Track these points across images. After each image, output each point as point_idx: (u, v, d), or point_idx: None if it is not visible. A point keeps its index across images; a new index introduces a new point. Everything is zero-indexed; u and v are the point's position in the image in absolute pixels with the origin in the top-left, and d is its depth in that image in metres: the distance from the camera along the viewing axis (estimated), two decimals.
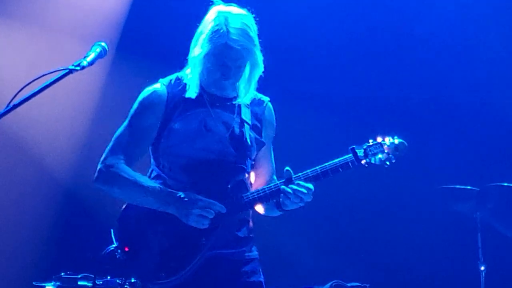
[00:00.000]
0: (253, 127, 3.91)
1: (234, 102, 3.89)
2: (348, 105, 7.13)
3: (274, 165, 4.06)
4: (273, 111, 4.05)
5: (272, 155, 4.06)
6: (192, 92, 3.83)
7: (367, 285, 5.76)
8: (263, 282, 3.87)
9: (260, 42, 3.81)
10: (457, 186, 6.25)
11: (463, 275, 6.58)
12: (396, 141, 3.86)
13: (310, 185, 3.73)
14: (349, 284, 5.73)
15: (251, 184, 3.95)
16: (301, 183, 3.72)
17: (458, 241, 6.76)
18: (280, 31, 6.51)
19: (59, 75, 3.34)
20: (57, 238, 6.79)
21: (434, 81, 7.13)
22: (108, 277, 5.09)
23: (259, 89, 3.97)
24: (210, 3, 3.84)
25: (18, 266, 6.58)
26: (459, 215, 6.43)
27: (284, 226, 6.89)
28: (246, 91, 3.88)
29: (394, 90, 7.13)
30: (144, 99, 3.86)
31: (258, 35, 3.81)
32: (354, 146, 3.78)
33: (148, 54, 6.72)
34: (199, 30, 3.81)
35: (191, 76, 3.83)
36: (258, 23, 3.82)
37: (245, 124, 3.88)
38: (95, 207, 6.57)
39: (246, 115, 3.90)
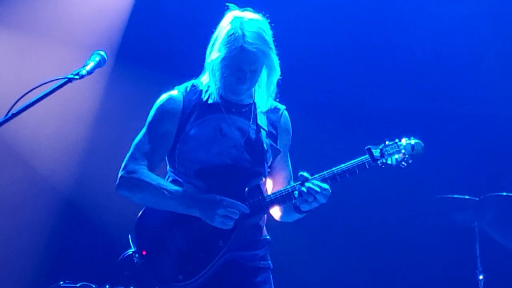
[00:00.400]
0: (269, 134, 3.92)
1: (251, 108, 3.91)
2: (347, 112, 7.14)
3: (291, 172, 4.05)
4: (289, 119, 4.06)
5: (289, 162, 4.06)
6: (210, 97, 3.86)
7: None
8: None
9: (275, 47, 3.83)
10: (456, 196, 6.24)
11: (461, 285, 6.58)
12: (413, 141, 3.85)
13: (326, 185, 3.71)
14: None
15: (266, 190, 3.95)
16: (316, 182, 3.71)
17: (456, 250, 6.76)
18: (291, 38, 6.50)
19: (58, 84, 3.36)
20: (56, 247, 6.78)
21: (434, 91, 7.14)
22: (107, 286, 5.08)
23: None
24: (226, 8, 3.86)
25: (17, 274, 6.58)
26: (458, 224, 6.42)
27: (287, 236, 6.90)
28: (266, 97, 3.91)
29: (394, 99, 7.13)
30: (161, 106, 3.90)
31: (274, 40, 3.83)
32: (370, 146, 3.76)
33: (147, 62, 6.73)
34: (214, 35, 3.84)
35: (208, 81, 3.86)
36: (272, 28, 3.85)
37: (262, 130, 3.89)
38: (94, 216, 6.58)
39: (262, 121, 3.91)
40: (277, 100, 4.02)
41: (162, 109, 3.89)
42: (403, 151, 3.80)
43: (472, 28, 6.92)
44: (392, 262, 6.94)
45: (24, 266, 6.62)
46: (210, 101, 3.85)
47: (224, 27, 3.79)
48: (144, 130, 3.90)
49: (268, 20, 3.86)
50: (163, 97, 3.92)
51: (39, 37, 6.62)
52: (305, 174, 3.74)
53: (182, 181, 3.85)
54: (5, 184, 6.64)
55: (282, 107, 4.05)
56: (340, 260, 6.99)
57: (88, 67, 3.46)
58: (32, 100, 3.28)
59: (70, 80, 3.37)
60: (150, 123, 3.89)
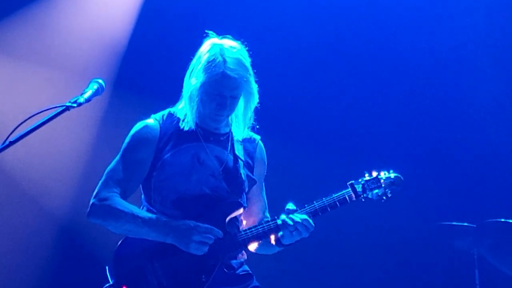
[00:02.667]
0: (245, 164, 3.91)
1: (229, 137, 3.90)
2: (342, 140, 7.13)
3: (266, 202, 4.05)
4: (264, 150, 4.05)
5: (264, 192, 4.05)
6: (187, 124, 3.82)
7: None
8: None
9: (254, 74, 3.85)
10: (455, 223, 6.23)
11: None
12: (392, 175, 3.87)
13: (311, 220, 3.71)
14: None
15: (241, 221, 3.93)
16: (302, 216, 3.70)
17: (456, 277, 6.73)
18: (271, 61, 6.53)
19: (56, 112, 3.36)
20: (52, 275, 6.74)
21: (429, 117, 7.15)
22: None
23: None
24: (205, 36, 3.87)
25: None
26: (457, 251, 6.41)
27: (279, 263, 6.88)
28: (242, 125, 3.90)
29: (389, 125, 7.14)
30: (136, 133, 3.85)
31: (252, 66, 3.84)
32: (352, 182, 3.78)
33: (145, 90, 6.74)
34: (193, 61, 3.83)
35: (186, 108, 3.83)
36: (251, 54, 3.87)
37: (239, 160, 3.87)
38: (91, 244, 6.54)
39: (239, 151, 3.90)
40: (257, 127, 4.01)
41: (137, 137, 3.84)
42: (383, 185, 3.81)
43: (468, 45, 6.96)
44: None
45: None
46: (186, 128, 3.82)
47: (204, 53, 3.79)
48: (117, 157, 3.85)
49: (247, 48, 3.87)
50: (139, 125, 3.88)
51: (37, 64, 6.64)
52: (291, 206, 3.76)
53: (156, 211, 3.79)
54: (1, 212, 6.61)
55: (257, 137, 4.04)
56: (337, 283, 6.95)
57: (86, 95, 3.46)
58: (30, 128, 3.27)
59: (68, 108, 3.37)
60: (124, 150, 3.85)
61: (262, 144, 4.05)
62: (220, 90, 3.73)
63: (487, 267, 6.25)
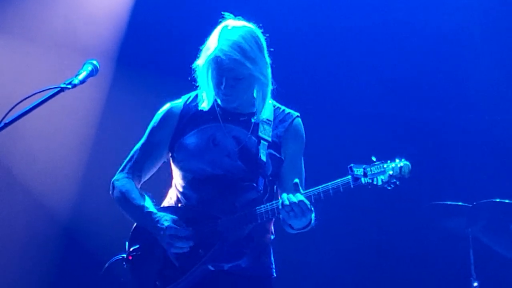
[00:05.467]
0: (271, 144, 3.89)
1: (252, 119, 3.89)
2: (343, 120, 7.13)
3: (303, 180, 3.98)
4: (301, 126, 4.02)
5: (300, 170, 3.98)
6: (203, 105, 3.88)
7: None
8: None
9: (268, 55, 3.84)
10: (449, 202, 6.24)
11: None
12: (400, 163, 3.76)
13: (307, 202, 3.66)
14: None
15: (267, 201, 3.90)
16: (299, 197, 3.66)
17: (450, 257, 6.75)
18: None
19: (51, 93, 3.36)
20: (52, 273, 6.71)
21: (426, 97, 7.14)
22: None
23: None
24: (221, 18, 3.89)
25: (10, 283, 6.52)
26: (451, 231, 6.42)
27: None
28: (260, 106, 3.89)
29: (385, 107, 7.14)
30: (159, 115, 3.98)
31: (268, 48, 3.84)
32: (352, 165, 3.73)
33: (149, 68, 6.69)
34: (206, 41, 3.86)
35: (200, 89, 3.89)
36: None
37: (261, 141, 3.86)
38: (92, 243, 6.53)
39: (263, 131, 3.89)
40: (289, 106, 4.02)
41: (158, 118, 3.97)
42: (390, 172, 3.70)
43: (465, 36, 6.95)
44: (386, 270, 6.94)
45: None
46: (205, 108, 3.87)
47: (212, 34, 3.83)
48: (143, 138, 3.99)
49: (261, 30, 3.85)
50: (165, 106, 3.99)
51: (34, 42, 6.57)
52: (298, 182, 3.72)
53: (177, 191, 3.89)
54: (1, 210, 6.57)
55: (294, 114, 4.02)
56: (332, 268, 6.97)
57: (81, 76, 3.47)
58: (25, 110, 3.28)
59: (62, 89, 3.38)
60: (148, 131, 3.98)
61: (299, 121, 4.01)
62: (219, 72, 3.75)
63: (482, 247, 6.27)
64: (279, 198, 3.76)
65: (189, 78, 3.93)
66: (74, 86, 3.42)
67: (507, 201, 6.04)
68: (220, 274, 3.78)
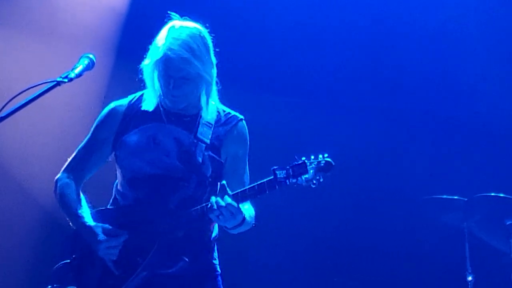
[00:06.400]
0: (209, 146, 3.88)
1: (195, 119, 3.90)
2: (336, 107, 7.13)
3: (245, 182, 3.96)
4: (245, 129, 4.02)
5: (242, 172, 3.98)
6: (147, 105, 3.90)
7: None
8: None
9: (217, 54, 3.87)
10: (445, 196, 6.24)
11: (451, 286, 6.57)
12: (322, 160, 3.74)
13: (232, 202, 3.62)
14: None
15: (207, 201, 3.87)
16: (226, 199, 3.63)
17: (445, 251, 6.75)
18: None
19: (47, 87, 3.34)
20: (40, 267, 6.68)
21: (422, 91, 7.14)
22: None
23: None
24: (168, 19, 3.92)
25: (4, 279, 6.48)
26: (447, 225, 6.43)
27: (276, 239, 6.89)
28: (205, 106, 3.90)
29: (382, 98, 7.14)
30: (103, 113, 4.01)
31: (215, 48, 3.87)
32: (275, 168, 3.69)
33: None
34: (153, 42, 3.88)
35: (148, 89, 3.90)
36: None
37: (199, 143, 3.86)
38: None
39: (204, 133, 3.89)
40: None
41: (102, 117, 4.00)
42: (311, 171, 3.69)
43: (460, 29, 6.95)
44: (381, 263, 6.94)
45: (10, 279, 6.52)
46: (149, 108, 3.89)
47: (159, 34, 3.86)
48: (87, 136, 4.01)
49: (208, 30, 3.89)
50: (109, 105, 4.02)
51: (39, 34, 6.51)
52: (225, 184, 3.68)
53: (116, 191, 3.93)
54: None
55: (238, 116, 4.02)
56: (328, 261, 6.98)
57: (77, 70, 3.47)
58: (21, 104, 3.26)
59: (59, 83, 3.37)
60: (92, 130, 4.01)
61: (242, 124, 4.01)
62: (167, 71, 3.77)
63: (477, 241, 6.28)
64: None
65: (136, 79, 3.93)
66: (71, 80, 3.41)
67: (502, 195, 6.05)
68: (162, 277, 3.78)
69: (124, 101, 4.00)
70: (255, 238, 5.10)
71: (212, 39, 3.90)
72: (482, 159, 6.93)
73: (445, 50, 7.05)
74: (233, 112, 4.02)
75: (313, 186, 3.73)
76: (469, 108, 7.06)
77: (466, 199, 6.14)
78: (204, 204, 3.73)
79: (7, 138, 6.26)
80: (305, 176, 3.69)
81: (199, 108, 3.92)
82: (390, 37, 7.05)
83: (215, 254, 3.98)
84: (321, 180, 3.71)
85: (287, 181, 3.67)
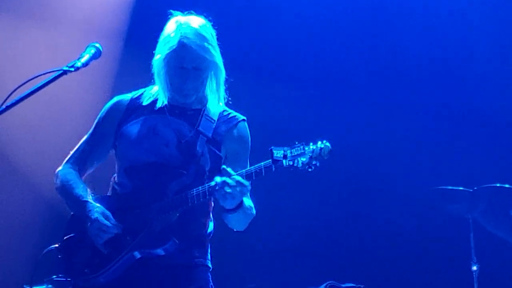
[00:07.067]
0: (210, 140, 3.88)
1: (199, 113, 3.91)
2: (341, 99, 7.14)
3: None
4: (246, 129, 4.01)
5: (225, 171, 3.83)
6: (156, 100, 3.91)
7: (362, 286, 5.75)
8: None
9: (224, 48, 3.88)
10: (450, 187, 6.25)
11: (455, 276, 6.59)
12: (320, 145, 3.68)
13: (239, 178, 3.62)
14: (343, 285, 5.73)
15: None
16: (236, 177, 3.61)
17: (450, 241, 6.76)
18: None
19: (53, 76, 3.34)
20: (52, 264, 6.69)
21: (428, 82, 7.14)
22: None
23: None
24: (169, 15, 3.92)
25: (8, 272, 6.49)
26: (452, 216, 6.44)
27: (280, 227, 6.90)
28: (216, 99, 3.92)
29: (388, 90, 7.13)
30: (106, 107, 4.02)
31: (219, 42, 3.88)
32: (273, 148, 3.65)
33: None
34: (160, 39, 3.89)
35: (157, 84, 3.90)
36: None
37: (201, 135, 3.86)
38: None
39: (206, 127, 3.89)
40: (229, 103, 4.02)
41: (106, 111, 4.01)
42: (309, 154, 3.64)
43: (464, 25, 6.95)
44: (387, 254, 6.95)
45: (14, 264, 6.52)
46: (157, 105, 3.90)
47: (166, 29, 3.86)
48: (90, 130, 4.02)
49: (211, 23, 3.90)
50: (112, 99, 4.04)
51: (47, 23, 6.50)
52: (229, 169, 3.66)
53: (114, 181, 3.93)
54: None
55: (240, 117, 4.01)
56: (335, 251, 6.98)
57: (84, 59, 3.46)
58: (27, 93, 3.25)
59: (65, 72, 3.36)
60: (95, 123, 4.02)
61: (244, 124, 4.00)
62: (180, 62, 3.77)
63: (482, 232, 6.29)
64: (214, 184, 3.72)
65: (144, 70, 3.94)
66: (77, 69, 3.41)
67: (507, 186, 6.06)
68: (148, 262, 3.76)
69: (127, 96, 4.01)
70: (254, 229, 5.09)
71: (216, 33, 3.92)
72: (487, 150, 6.93)
73: (451, 40, 7.04)
74: (235, 113, 4.03)
75: (310, 170, 3.67)
76: (474, 99, 7.05)
77: (471, 190, 6.15)
78: (206, 185, 3.72)
79: (13, 128, 6.26)
80: (302, 159, 3.64)
81: (203, 104, 3.93)
82: (395, 28, 7.05)
83: (208, 250, 3.96)
84: (318, 165, 3.66)
85: (284, 161, 3.63)
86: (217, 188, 3.62)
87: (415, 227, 6.94)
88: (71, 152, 4.00)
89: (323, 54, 7.12)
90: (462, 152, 6.96)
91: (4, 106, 3.22)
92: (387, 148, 7.02)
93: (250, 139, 4.03)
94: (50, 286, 5.20)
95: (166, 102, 3.88)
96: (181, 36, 3.75)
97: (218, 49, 3.87)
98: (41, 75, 3.33)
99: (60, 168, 3.98)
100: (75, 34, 6.35)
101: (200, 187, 3.73)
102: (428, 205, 6.65)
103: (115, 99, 4.02)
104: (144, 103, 3.93)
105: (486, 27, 6.97)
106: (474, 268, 6.09)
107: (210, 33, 3.85)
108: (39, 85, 3.30)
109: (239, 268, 6.66)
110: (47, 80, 3.32)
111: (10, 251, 6.56)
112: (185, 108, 3.91)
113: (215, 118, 3.93)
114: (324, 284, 5.72)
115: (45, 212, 6.58)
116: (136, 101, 3.96)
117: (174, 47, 3.76)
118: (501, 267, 6.58)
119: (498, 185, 6.08)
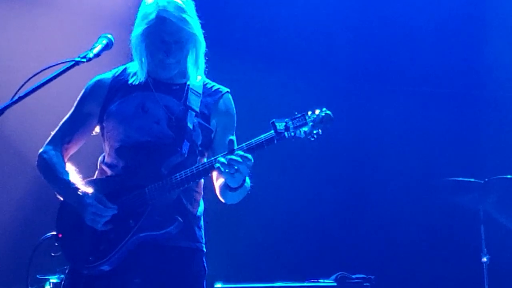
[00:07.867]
0: (199, 114, 3.85)
1: (183, 88, 3.86)
2: (353, 88, 7.14)
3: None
4: (231, 102, 3.98)
5: (231, 143, 3.76)
6: (136, 77, 3.84)
7: (372, 276, 5.74)
8: (199, 275, 3.83)
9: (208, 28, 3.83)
10: (461, 179, 6.25)
11: (466, 267, 6.60)
12: (321, 113, 3.65)
13: (243, 152, 3.58)
14: (354, 276, 5.72)
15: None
16: (238, 152, 3.58)
17: (461, 232, 6.77)
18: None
19: (65, 67, 3.32)
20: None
21: (439, 74, 7.13)
22: None
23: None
24: None
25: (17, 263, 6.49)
26: (463, 207, 6.43)
27: (291, 218, 6.90)
28: (195, 71, 3.87)
29: (400, 80, 7.12)
30: (88, 87, 3.92)
31: (201, 18, 3.82)
32: (274, 120, 3.62)
33: None
34: (138, 13, 3.82)
35: (136, 60, 3.84)
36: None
37: (189, 110, 3.83)
38: None
39: (193, 101, 3.86)
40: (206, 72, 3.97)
41: (87, 90, 3.91)
42: (311, 123, 3.61)
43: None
44: (398, 245, 6.96)
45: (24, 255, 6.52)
46: (136, 81, 3.83)
47: (143, 3, 3.80)
48: (71, 110, 3.92)
49: (193, 2, 3.84)
50: (93, 78, 3.94)
51: (58, 14, 6.50)
52: (234, 140, 3.63)
53: (103, 163, 3.85)
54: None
55: (224, 89, 3.98)
56: (345, 243, 6.99)
57: (96, 50, 3.44)
58: (39, 83, 3.23)
59: (77, 63, 3.35)
60: (76, 103, 3.92)
61: (229, 96, 3.98)
62: (161, 35, 3.72)
63: (492, 223, 6.28)
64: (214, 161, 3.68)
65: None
66: (89, 59, 3.39)
67: None
68: (152, 246, 3.72)
69: (108, 74, 3.93)
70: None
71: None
72: (498, 141, 6.92)
73: (464, 29, 7.02)
74: (218, 85, 4.00)
75: (312, 139, 3.63)
76: (486, 90, 7.03)
77: (482, 182, 6.14)
78: (195, 166, 3.69)
79: (23, 119, 6.27)
80: (304, 129, 3.61)
81: (186, 78, 3.89)
82: (407, 18, 7.03)
83: (203, 232, 3.92)
84: (320, 133, 3.63)
85: (286, 133, 3.60)
86: (224, 168, 3.55)
87: (426, 218, 6.95)
88: (53, 133, 3.91)
89: (324, 44, 7.11)
90: (474, 143, 6.96)
91: (16, 97, 3.22)
92: (400, 140, 7.03)
93: (235, 112, 4.00)
94: (62, 276, 5.18)
95: (143, 79, 3.82)
96: (159, 9, 3.70)
97: (197, 20, 3.81)
98: (53, 65, 3.32)
99: (42, 149, 3.88)
100: (85, 24, 6.35)
101: (200, 164, 3.70)
102: (439, 196, 6.65)
103: (96, 77, 3.93)
104: (129, 81, 3.86)
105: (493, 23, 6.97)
106: (484, 259, 6.10)
107: (190, 5, 3.79)
108: (51, 75, 3.28)
109: (250, 259, 6.68)
110: (59, 71, 3.30)
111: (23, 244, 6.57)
112: (169, 83, 3.86)
113: (200, 91, 3.90)
114: (335, 275, 5.71)
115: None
116: (118, 78, 3.89)
117: (153, 21, 3.71)
118: (511, 259, 6.58)
119: (509, 176, 6.08)
